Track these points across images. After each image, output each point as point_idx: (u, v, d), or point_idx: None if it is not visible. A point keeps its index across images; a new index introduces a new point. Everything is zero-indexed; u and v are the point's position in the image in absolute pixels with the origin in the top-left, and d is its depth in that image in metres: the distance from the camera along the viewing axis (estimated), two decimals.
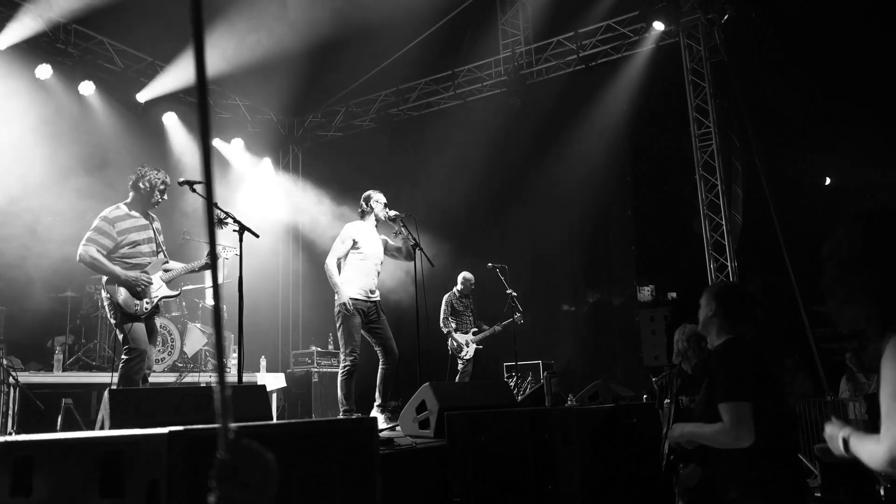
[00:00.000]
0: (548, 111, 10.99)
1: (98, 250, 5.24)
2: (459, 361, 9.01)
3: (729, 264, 9.06)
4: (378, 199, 6.55)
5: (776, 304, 9.38)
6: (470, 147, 11.09)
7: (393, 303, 8.59)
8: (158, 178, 5.54)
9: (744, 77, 9.65)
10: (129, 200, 5.54)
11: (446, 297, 9.16)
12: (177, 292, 5.71)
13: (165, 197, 5.62)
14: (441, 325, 8.98)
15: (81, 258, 5.25)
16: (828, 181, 12.22)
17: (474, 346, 9.07)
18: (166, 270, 5.59)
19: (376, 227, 6.59)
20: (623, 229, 11.99)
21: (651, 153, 11.17)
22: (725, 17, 9.35)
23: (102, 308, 5.51)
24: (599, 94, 10.75)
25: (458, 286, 9.18)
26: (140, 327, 5.31)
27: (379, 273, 6.58)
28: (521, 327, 8.80)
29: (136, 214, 5.51)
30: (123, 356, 5.22)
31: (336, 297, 6.28)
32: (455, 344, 9.00)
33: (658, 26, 9.63)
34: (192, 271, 5.74)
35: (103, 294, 5.39)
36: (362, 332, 6.33)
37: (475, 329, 9.16)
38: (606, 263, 12.15)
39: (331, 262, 6.37)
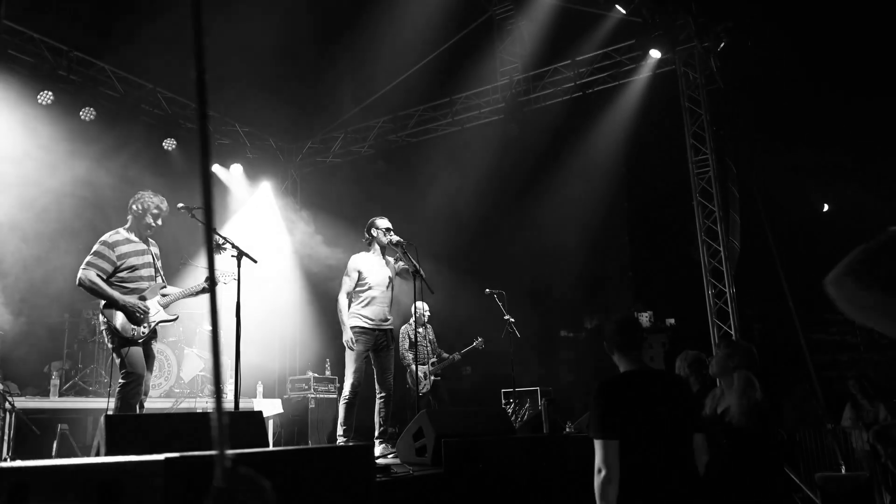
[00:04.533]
0: (545, 138, 11.05)
1: (98, 274, 5.26)
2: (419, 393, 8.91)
3: (727, 291, 9.06)
4: (380, 224, 6.55)
5: (775, 332, 9.37)
6: (467, 173, 11.14)
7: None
8: (153, 203, 5.56)
9: (740, 104, 9.72)
10: (127, 225, 5.58)
11: (402, 328, 9.11)
12: (174, 317, 5.70)
13: (160, 222, 5.62)
14: (401, 357, 8.90)
15: (81, 282, 5.26)
16: (826, 208, 12.26)
17: (432, 378, 9.04)
18: (164, 295, 5.59)
19: (383, 253, 6.60)
20: (620, 255, 12.01)
21: (648, 179, 11.21)
22: (721, 45, 9.44)
23: (100, 333, 5.50)
24: (596, 121, 10.81)
25: (413, 317, 9.16)
26: (137, 352, 5.31)
27: (391, 299, 6.59)
28: (519, 354, 8.74)
29: (135, 239, 5.53)
30: (120, 380, 5.21)
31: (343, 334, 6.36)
32: (412, 378, 8.90)
33: (655, 54, 9.71)
34: (190, 296, 5.74)
35: (101, 318, 5.39)
36: (370, 357, 6.35)
37: (433, 360, 9.10)
38: (604, 290, 12.15)
39: (341, 298, 6.43)
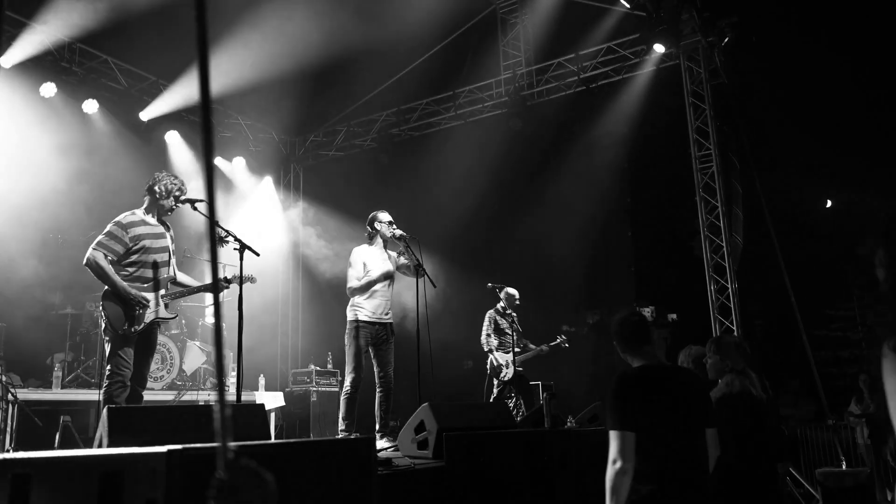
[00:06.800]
0: (548, 132, 11.04)
1: (106, 255, 5.10)
2: (496, 382, 8.63)
3: (729, 286, 9.05)
4: (382, 218, 6.55)
5: (776, 327, 9.37)
6: (470, 167, 11.13)
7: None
8: (175, 185, 5.38)
9: (744, 100, 9.70)
10: (145, 206, 5.40)
11: (489, 313, 8.77)
12: (174, 315, 5.58)
13: (180, 205, 5.48)
14: (482, 342, 8.64)
15: (88, 262, 5.11)
16: (829, 204, 12.24)
17: (513, 367, 8.57)
18: (168, 292, 5.43)
19: (385, 246, 6.60)
20: (623, 250, 12.00)
21: (651, 174, 11.20)
22: (726, 40, 9.41)
23: (101, 325, 5.40)
24: (600, 115, 10.80)
25: (501, 302, 8.77)
26: (126, 353, 5.11)
27: (391, 293, 6.59)
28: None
29: (152, 221, 5.37)
30: (105, 379, 5.04)
31: (349, 315, 6.35)
32: (495, 363, 8.60)
33: (658, 49, 9.68)
34: (198, 291, 5.69)
35: (99, 308, 5.28)
36: (370, 351, 6.35)
37: (518, 350, 8.67)
38: (606, 284, 12.14)
39: (352, 288, 6.42)
